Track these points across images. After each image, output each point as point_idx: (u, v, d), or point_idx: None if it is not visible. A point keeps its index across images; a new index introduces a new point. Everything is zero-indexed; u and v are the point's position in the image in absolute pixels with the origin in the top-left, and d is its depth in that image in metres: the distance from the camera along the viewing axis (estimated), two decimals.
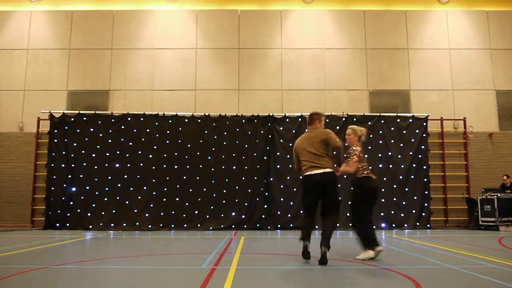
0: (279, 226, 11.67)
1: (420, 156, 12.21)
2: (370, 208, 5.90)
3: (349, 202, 6.12)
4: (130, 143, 12.06)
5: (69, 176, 11.84)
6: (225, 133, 12.18)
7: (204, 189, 11.83)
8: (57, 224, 11.58)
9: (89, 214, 11.66)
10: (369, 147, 12.16)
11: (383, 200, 11.88)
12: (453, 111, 13.00)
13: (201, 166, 11.95)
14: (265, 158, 11.97)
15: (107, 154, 11.98)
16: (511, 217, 11.20)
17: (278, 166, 11.97)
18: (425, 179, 12.12)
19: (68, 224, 11.58)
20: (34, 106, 12.71)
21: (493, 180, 12.37)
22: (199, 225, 11.63)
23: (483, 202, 11.63)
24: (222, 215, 11.69)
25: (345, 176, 5.94)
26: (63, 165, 11.90)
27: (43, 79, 13.05)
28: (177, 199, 11.78)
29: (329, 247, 5.47)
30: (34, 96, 12.93)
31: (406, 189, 12.03)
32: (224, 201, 11.75)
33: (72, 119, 12.20)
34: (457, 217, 12.45)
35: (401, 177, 12.07)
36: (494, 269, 5.10)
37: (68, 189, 11.77)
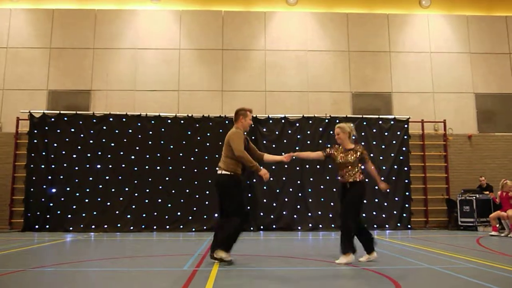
0: (262, 227, 11.67)
1: (401, 157, 12.37)
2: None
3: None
4: (112, 144, 11.92)
5: (49, 177, 11.65)
6: (208, 134, 12.13)
7: (187, 190, 11.76)
8: (37, 226, 11.36)
9: (69, 216, 11.46)
10: None
11: (364, 201, 11.97)
12: (433, 113, 13.21)
13: (184, 167, 11.88)
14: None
15: (88, 155, 11.82)
16: (488, 218, 11.41)
17: (261, 168, 11.96)
18: (406, 181, 12.28)
19: (47, 226, 11.38)
20: (13, 105, 12.46)
21: (472, 182, 12.60)
22: (181, 226, 11.55)
23: (462, 203, 11.84)
24: (205, 217, 11.60)
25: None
26: (42, 166, 11.69)
27: (22, 78, 12.80)
28: (160, 200, 11.69)
29: (224, 250, 5.40)
30: (13, 96, 12.67)
31: (387, 190, 12.15)
32: (207, 202, 11.66)
33: (53, 119, 12.00)
34: (437, 217, 12.64)
35: (382, 178, 11.99)
36: (472, 268, 5.20)
37: (48, 190, 11.56)
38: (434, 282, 4.44)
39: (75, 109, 12.39)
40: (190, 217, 11.63)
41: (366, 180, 5.96)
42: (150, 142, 11.99)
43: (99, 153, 11.84)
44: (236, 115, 5.89)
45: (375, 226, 11.85)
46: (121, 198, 11.65)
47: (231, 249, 5.54)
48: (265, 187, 11.82)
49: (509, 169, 12.89)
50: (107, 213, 11.52)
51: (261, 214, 11.74)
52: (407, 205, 12.14)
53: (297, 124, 12.36)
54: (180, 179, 11.81)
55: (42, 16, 13.16)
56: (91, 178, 11.70)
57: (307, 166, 11.90)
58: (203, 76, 13.10)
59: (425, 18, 13.76)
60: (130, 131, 12.02)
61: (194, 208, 11.68)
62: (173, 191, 11.74)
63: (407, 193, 12.21)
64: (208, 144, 12.02)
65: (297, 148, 11.92)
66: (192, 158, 11.93)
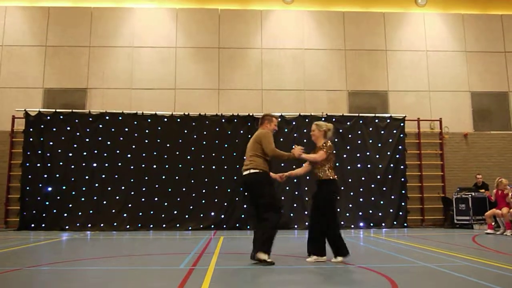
0: None
1: (397, 156, 12.41)
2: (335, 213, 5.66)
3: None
4: (108, 142, 11.90)
5: (45, 176, 11.60)
6: (204, 132, 12.12)
7: (183, 189, 11.75)
8: (32, 225, 11.31)
9: (65, 215, 11.43)
10: (348, 147, 12.31)
11: (361, 199, 12.04)
12: (429, 112, 13.24)
13: (180, 165, 11.87)
14: (244, 157, 11.91)
15: (84, 153, 11.78)
16: (484, 216, 11.47)
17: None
18: (402, 179, 12.31)
19: (43, 225, 11.34)
20: (9, 104, 12.40)
21: (468, 180, 12.64)
22: (178, 225, 11.54)
23: (458, 201, 11.88)
24: (202, 215, 11.63)
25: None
26: (38, 165, 11.64)
27: (18, 76, 12.74)
28: (156, 199, 11.67)
29: (264, 252, 5.24)
30: (9, 94, 12.61)
31: (384, 189, 12.20)
32: (203, 201, 11.69)
33: (48, 117, 11.96)
34: (433, 216, 12.68)
35: (379, 176, 12.23)
36: (468, 266, 5.22)
37: (43, 189, 11.52)
38: (430, 280, 4.45)
39: (71, 107, 12.34)
40: (186, 216, 11.63)
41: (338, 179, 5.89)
42: (146, 141, 11.97)
43: (95, 151, 11.81)
44: (262, 119, 5.98)
45: (371, 224, 11.88)
46: (117, 197, 11.62)
47: (271, 250, 5.39)
48: None
49: (505, 168, 12.95)
50: (103, 212, 11.49)
51: None
52: (403, 204, 12.18)
53: (294, 123, 12.37)
54: (177, 177, 11.79)
55: (38, 14, 13.09)
56: (87, 177, 11.67)
57: (303, 164, 11.88)
58: (199, 74, 13.09)
59: (421, 17, 13.78)
60: (127, 129, 12.00)
61: (191, 207, 11.67)
62: (170, 190, 11.72)
63: (403, 192, 12.25)
64: (204, 142, 12.02)
65: (293, 146, 11.90)
66: (188, 157, 11.92)
